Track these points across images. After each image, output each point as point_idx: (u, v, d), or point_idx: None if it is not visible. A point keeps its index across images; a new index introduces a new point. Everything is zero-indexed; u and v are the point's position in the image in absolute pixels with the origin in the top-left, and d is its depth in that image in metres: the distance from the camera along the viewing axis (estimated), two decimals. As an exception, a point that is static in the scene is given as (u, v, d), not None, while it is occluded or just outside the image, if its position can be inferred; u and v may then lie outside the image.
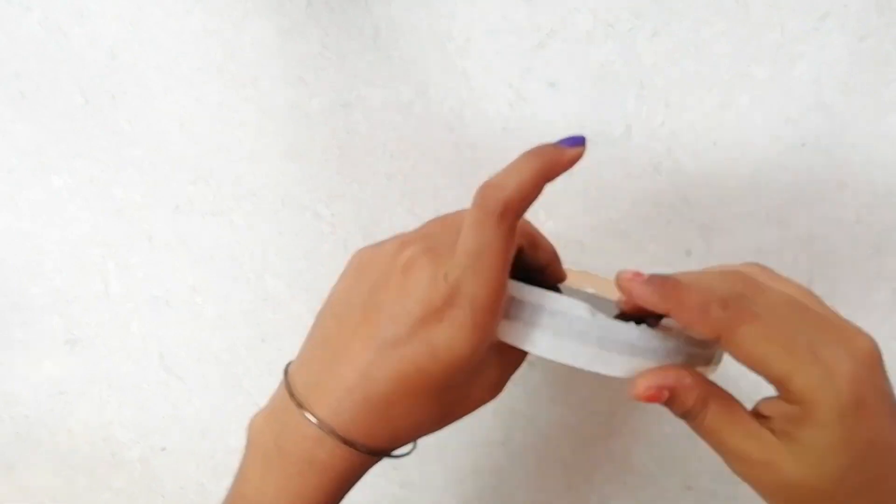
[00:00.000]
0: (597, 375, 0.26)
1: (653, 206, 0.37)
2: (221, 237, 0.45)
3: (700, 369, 0.26)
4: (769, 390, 0.25)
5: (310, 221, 0.43)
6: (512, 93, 0.37)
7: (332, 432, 0.26)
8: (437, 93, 0.38)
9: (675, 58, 0.35)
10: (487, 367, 0.27)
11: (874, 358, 0.24)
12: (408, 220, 0.41)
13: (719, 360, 0.28)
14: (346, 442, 0.26)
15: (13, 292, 0.50)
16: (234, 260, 0.45)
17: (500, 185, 0.24)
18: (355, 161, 0.41)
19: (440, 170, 0.40)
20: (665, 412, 0.41)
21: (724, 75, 0.34)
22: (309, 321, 0.46)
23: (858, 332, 0.24)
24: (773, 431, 0.24)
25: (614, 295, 0.31)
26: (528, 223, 0.29)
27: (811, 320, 0.24)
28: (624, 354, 0.25)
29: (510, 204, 0.24)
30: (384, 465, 0.46)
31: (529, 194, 0.24)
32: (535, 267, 0.29)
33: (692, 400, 0.25)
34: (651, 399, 0.25)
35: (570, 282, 0.32)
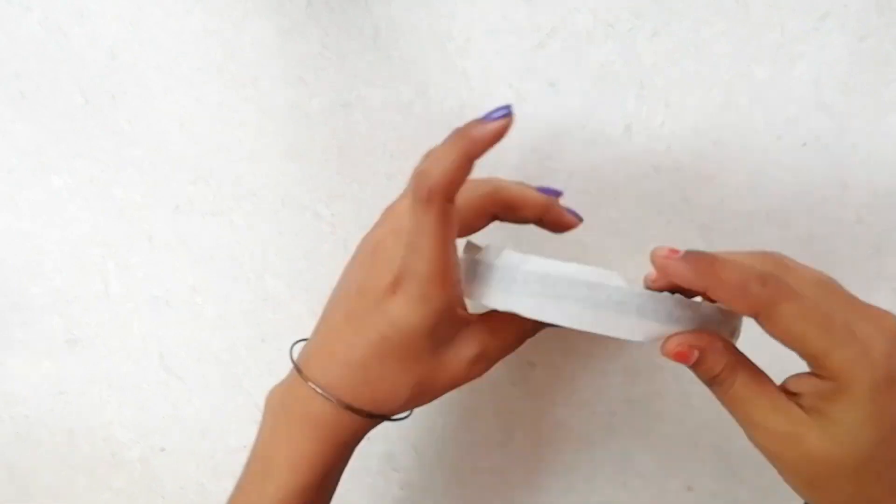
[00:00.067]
0: (628, 343, 0.26)
1: (653, 206, 0.37)
2: (221, 237, 0.45)
3: None
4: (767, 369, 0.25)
5: (310, 221, 0.43)
6: (512, 93, 0.37)
7: (323, 392, 0.29)
8: (437, 93, 0.38)
9: (675, 58, 0.35)
10: (462, 341, 0.29)
11: None
12: (408, 220, 0.41)
13: (739, 334, 0.28)
14: (335, 401, 0.29)
15: (13, 292, 0.50)
16: (234, 260, 0.45)
17: (426, 172, 0.26)
18: (355, 161, 0.41)
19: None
20: (666, 412, 0.41)
21: (725, 75, 0.34)
22: (309, 321, 0.46)
23: (886, 313, 0.25)
24: (801, 407, 0.24)
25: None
26: (502, 189, 0.30)
27: (841, 300, 0.25)
28: (662, 323, 0.26)
29: (435, 189, 0.26)
30: (385, 466, 0.47)
31: (455, 176, 0.26)
32: (526, 223, 0.31)
33: (721, 365, 0.25)
34: (680, 357, 0.25)
35: None
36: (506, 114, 0.25)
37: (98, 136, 0.44)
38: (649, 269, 0.38)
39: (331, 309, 0.31)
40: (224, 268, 0.45)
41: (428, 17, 0.37)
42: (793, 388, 0.25)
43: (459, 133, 0.26)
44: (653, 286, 0.28)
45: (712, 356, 0.25)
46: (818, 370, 0.24)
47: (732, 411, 0.26)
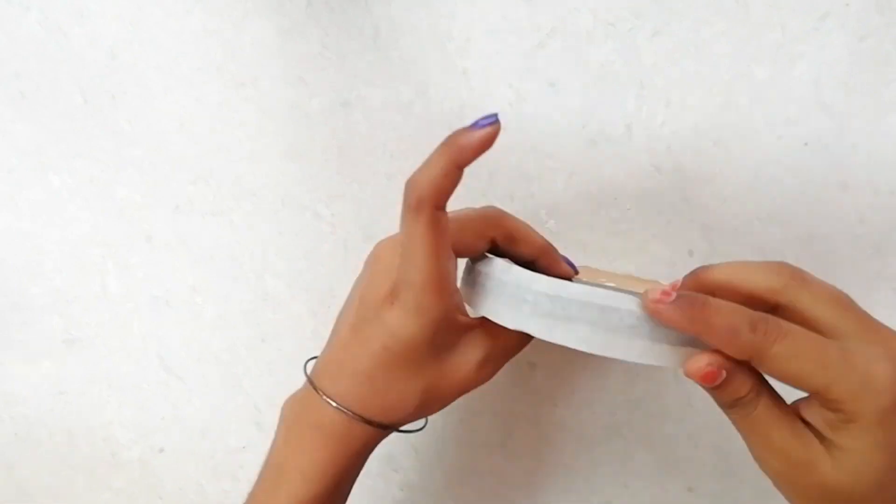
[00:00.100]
0: (637, 366, 0.26)
1: (654, 206, 0.37)
2: (221, 237, 0.45)
3: None
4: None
5: (310, 221, 0.43)
6: (512, 93, 0.37)
7: (334, 402, 0.29)
8: (437, 93, 0.38)
9: (675, 58, 0.35)
10: (465, 348, 0.30)
11: None
12: (408, 220, 0.41)
13: None
14: (345, 411, 0.29)
15: (13, 292, 0.50)
16: (234, 260, 0.45)
17: (415, 182, 0.26)
18: (355, 161, 0.41)
19: (440, 170, 0.40)
20: (667, 413, 0.41)
21: (725, 75, 0.34)
22: (309, 321, 0.46)
23: (895, 335, 0.24)
24: (813, 435, 0.24)
25: (633, 288, 0.31)
26: (505, 218, 0.30)
27: (852, 317, 0.24)
28: (674, 346, 0.26)
29: (423, 198, 0.26)
30: (385, 467, 0.47)
31: (443, 185, 0.26)
32: (522, 261, 0.30)
33: (747, 388, 0.25)
34: (708, 377, 0.25)
35: (582, 277, 0.33)
36: (493, 122, 0.25)
37: (98, 135, 0.44)
38: (649, 270, 0.38)
39: (338, 321, 0.32)
40: (224, 268, 0.45)
41: (428, 17, 0.37)
42: (804, 414, 0.25)
43: (447, 142, 0.26)
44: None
45: (740, 377, 0.25)
46: (823, 403, 0.24)
47: (750, 435, 0.26)
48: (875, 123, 0.34)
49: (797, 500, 0.25)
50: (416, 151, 0.40)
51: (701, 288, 0.26)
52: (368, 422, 0.29)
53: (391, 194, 0.41)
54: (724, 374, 0.25)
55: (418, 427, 0.31)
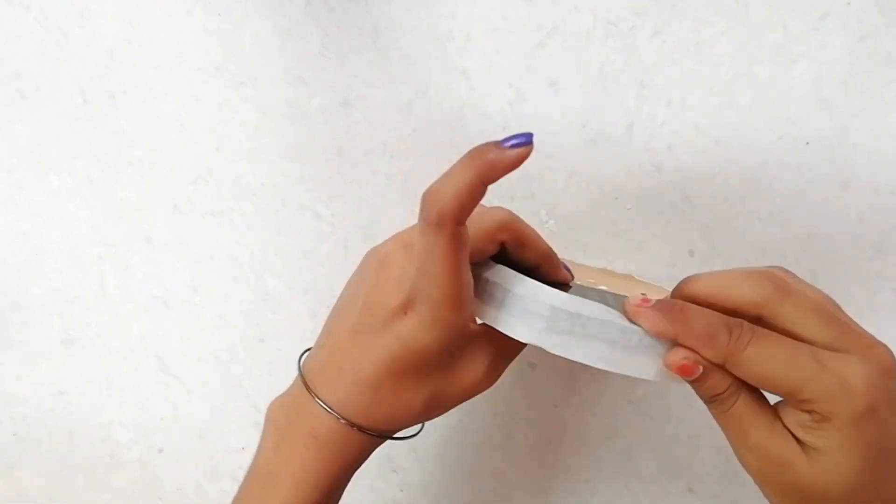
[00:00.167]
0: (625, 377, 0.26)
1: (653, 206, 0.37)
2: (221, 237, 0.45)
3: None
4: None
5: (310, 221, 0.43)
6: (512, 92, 0.37)
7: (332, 411, 0.28)
8: (437, 93, 0.38)
9: (675, 57, 0.35)
10: (473, 353, 0.29)
11: (889, 367, 0.24)
12: (408, 219, 0.41)
13: None
14: (345, 420, 0.28)
15: (13, 292, 0.50)
16: (234, 260, 0.45)
17: (437, 195, 0.24)
18: (355, 161, 0.41)
19: (440, 170, 0.39)
20: (667, 413, 0.41)
21: (725, 75, 0.34)
22: (309, 321, 0.45)
23: (877, 342, 0.25)
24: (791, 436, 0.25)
25: (627, 290, 0.31)
26: (517, 221, 0.30)
27: (835, 328, 0.24)
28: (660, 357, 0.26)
29: (445, 213, 0.24)
30: (384, 468, 0.46)
31: (466, 201, 0.24)
32: (524, 267, 0.30)
33: (726, 385, 0.25)
34: (685, 370, 0.25)
35: (584, 278, 0.32)
36: (527, 142, 0.24)
37: (97, 135, 0.44)
38: (649, 270, 0.38)
39: (336, 321, 0.30)
40: (224, 268, 0.45)
41: (428, 16, 0.37)
42: (781, 416, 0.25)
43: (474, 155, 0.24)
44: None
45: (718, 374, 0.25)
46: (797, 404, 0.24)
47: (728, 431, 0.26)
48: (875, 123, 0.34)
49: (775, 498, 0.25)
50: (416, 151, 0.40)
51: (686, 300, 0.26)
52: (368, 430, 0.29)
53: (391, 194, 0.41)
54: (700, 368, 0.25)
55: (412, 433, 0.31)
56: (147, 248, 0.46)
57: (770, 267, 0.27)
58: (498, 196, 0.39)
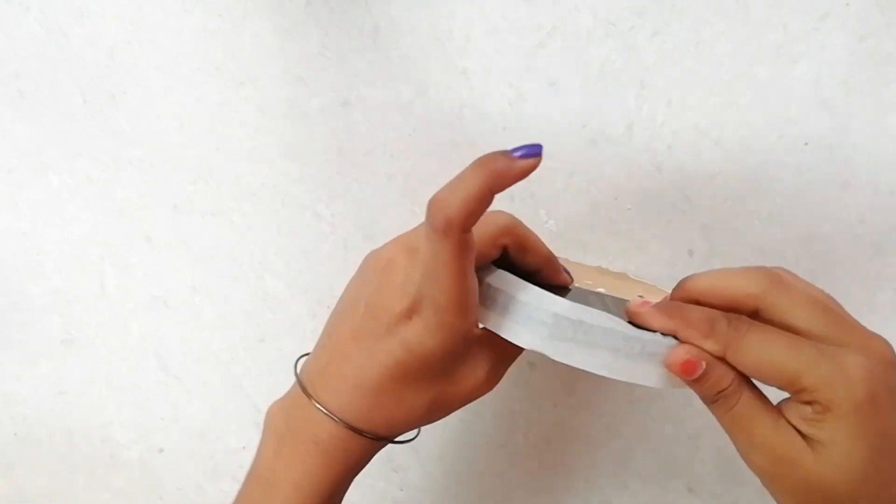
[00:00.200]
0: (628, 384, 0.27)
1: (653, 206, 0.37)
2: (221, 237, 0.45)
3: None
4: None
5: (310, 221, 0.43)
6: (512, 92, 0.37)
7: (333, 416, 0.28)
8: (437, 93, 0.38)
9: (675, 57, 0.35)
10: (475, 357, 0.29)
11: (888, 358, 0.24)
12: (408, 219, 0.41)
13: None
14: (346, 425, 0.28)
15: (13, 292, 0.50)
16: (234, 260, 0.45)
17: (445, 202, 0.25)
18: (355, 161, 0.41)
19: (440, 169, 0.40)
20: (667, 413, 0.41)
21: (725, 75, 0.34)
22: (308, 321, 0.45)
23: (876, 336, 0.25)
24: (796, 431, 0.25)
25: (625, 293, 0.31)
26: (519, 226, 0.30)
27: (832, 320, 0.24)
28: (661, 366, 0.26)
29: (452, 220, 0.24)
30: (385, 467, 0.46)
31: (474, 209, 0.24)
32: (525, 270, 0.30)
33: (729, 380, 0.25)
34: (688, 367, 0.25)
35: (581, 278, 0.32)
36: (536, 153, 0.24)
37: (97, 135, 0.44)
38: (649, 270, 0.38)
39: (336, 325, 0.30)
40: (224, 268, 0.45)
41: (428, 16, 0.37)
42: (785, 414, 0.25)
43: (482, 163, 0.24)
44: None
45: (720, 369, 0.25)
46: (797, 395, 0.24)
47: (732, 430, 0.26)
48: (875, 123, 0.34)
49: (783, 497, 0.25)
50: (416, 151, 0.40)
51: (686, 297, 0.27)
52: (369, 435, 0.29)
53: (391, 194, 0.41)
54: (703, 364, 0.25)
55: (411, 437, 0.30)
56: (147, 248, 0.46)
57: (770, 267, 0.27)
58: (497, 196, 0.39)
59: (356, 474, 0.30)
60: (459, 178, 0.25)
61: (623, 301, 0.29)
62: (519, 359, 0.32)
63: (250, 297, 0.45)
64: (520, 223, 0.30)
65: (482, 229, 0.28)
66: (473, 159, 0.37)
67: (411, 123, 0.39)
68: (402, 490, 0.47)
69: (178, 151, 0.43)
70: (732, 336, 0.24)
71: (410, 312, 0.27)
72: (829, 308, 0.25)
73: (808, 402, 0.24)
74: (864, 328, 0.25)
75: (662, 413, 0.41)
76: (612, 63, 0.35)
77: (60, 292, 0.49)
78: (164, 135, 0.43)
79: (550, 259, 0.30)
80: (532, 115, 0.37)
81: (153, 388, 0.49)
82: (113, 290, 0.48)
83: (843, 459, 0.23)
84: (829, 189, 0.35)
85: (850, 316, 0.25)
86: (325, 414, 0.28)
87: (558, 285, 0.30)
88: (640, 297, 0.27)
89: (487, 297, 0.28)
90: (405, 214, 0.41)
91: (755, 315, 0.25)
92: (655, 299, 0.28)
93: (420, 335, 0.27)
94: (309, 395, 0.29)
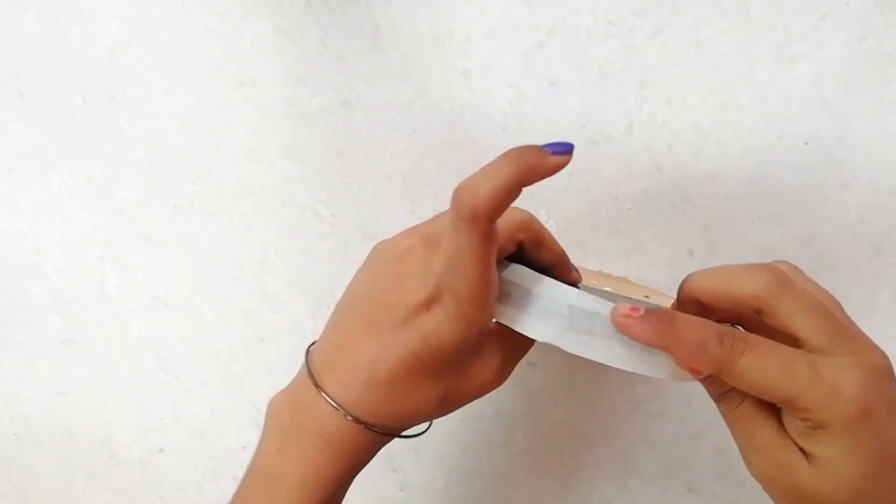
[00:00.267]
0: (634, 375, 0.26)
1: (653, 206, 0.37)
2: (221, 237, 0.45)
3: None
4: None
5: (310, 221, 0.43)
6: (512, 92, 0.37)
7: (342, 409, 0.27)
8: (437, 93, 0.38)
9: (675, 57, 0.35)
10: (487, 352, 0.29)
11: (884, 371, 0.24)
12: (408, 219, 0.41)
13: None
14: (355, 419, 0.27)
15: (13, 292, 0.50)
16: (234, 260, 0.45)
17: (473, 191, 0.24)
18: (355, 161, 0.41)
19: (440, 169, 0.40)
20: (667, 413, 0.41)
21: (725, 75, 0.34)
22: (308, 321, 0.45)
23: (873, 346, 0.24)
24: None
25: (631, 293, 0.31)
26: (535, 222, 0.29)
27: (833, 329, 0.24)
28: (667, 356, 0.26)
29: (480, 210, 0.24)
30: (385, 467, 0.46)
31: (503, 200, 0.24)
32: (538, 267, 0.30)
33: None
34: (693, 369, 0.25)
35: (584, 280, 0.33)
36: (569, 151, 0.24)
37: (97, 135, 0.44)
38: (649, 270, 0.38)
39: (346, 316, 0.29)
40: (224, 268, 0.45)
41: (428, 16, 0.37)
42: (783, 421, 0.25)
43: (514, 156, 0.24)
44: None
45: None
46: (793, 413, 0.24)
47: (736, 430, 0.26)
48: (875, 123, 0.34)
49: (779, 501, 0.25)
50: (416, 151, 0.40)
51: (689, 298, 0.26)
52: (377, 429, 0.28)
53: (391, 194, 0.41)
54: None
55: (420, 431, 0.30)
56: (147, 248, 0.46)
57: (776, 261, 0.27)
58: (498, 196, 0.39)
59: (361, 469, 0.30)
60: (489, 168, 0.24)
61: (631, 300, 0.29)
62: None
63: (250, 297, 0.45)
64: (536, 220, 0.29)
65: (500, 224, 0.27)
66: (473, 159, 0.37)
67: (411, 123, 0.39)
68: (402, 490, 0.47)
69: (178, 151, 0.43)
70: (726, 359, 0.24)
71: (429, 303, 0.26)
72: (831, 315, 0.25)
73: (803, 419, 0.24)
74: (864, 337, 0.25)
75: (662, 413, 0.41)
76: (612, 63, 0.35)
77: (60, 292, 0.49)
78: (164, 135, 0.43)
79: (563, 257, 0.30)
80: (532, 115, 0.37)
81: (153, 388, 0.49)
82: (113, 290, 0.48)
83: (837, 475, 0.23)
84: (829, 189, 0.35)
85: (851, 322, 0.25)
86: (334, 407, 0.27)
87: (568, 283, 0.30)
88: (646, 297, 0.27)
89: (501, 291, 0.28)
90: (405, 214, 0.41)
91: (759, 315, 0.25)
92: (659, 303, 0.28)
93: (439, 326, 0.26)
94: (318, 388, 0.28)
